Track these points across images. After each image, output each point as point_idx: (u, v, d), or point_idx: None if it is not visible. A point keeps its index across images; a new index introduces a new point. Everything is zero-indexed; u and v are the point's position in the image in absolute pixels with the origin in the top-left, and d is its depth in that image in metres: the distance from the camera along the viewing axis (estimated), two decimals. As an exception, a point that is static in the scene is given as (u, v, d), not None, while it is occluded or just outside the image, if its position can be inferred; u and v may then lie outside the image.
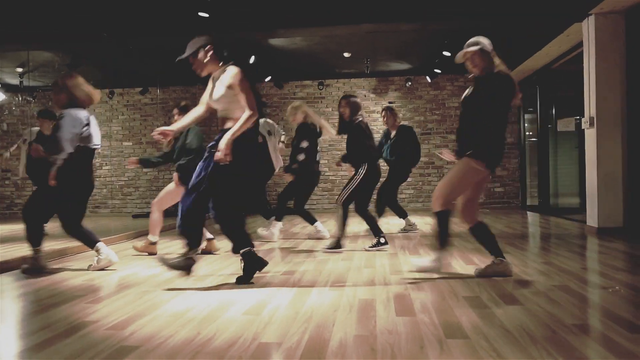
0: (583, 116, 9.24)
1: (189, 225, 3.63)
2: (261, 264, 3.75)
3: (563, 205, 9.53)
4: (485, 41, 3.74)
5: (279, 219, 6.38)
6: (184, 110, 5.18)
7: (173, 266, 3.66)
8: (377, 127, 11.18)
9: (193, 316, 2.90)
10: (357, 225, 7.13)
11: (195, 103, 11.64)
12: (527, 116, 10.91)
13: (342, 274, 4.08)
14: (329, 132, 6.22)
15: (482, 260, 4.55)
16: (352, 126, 5.34)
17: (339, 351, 2.29)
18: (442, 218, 3.76)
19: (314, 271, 4.23)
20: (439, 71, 9.81)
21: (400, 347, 2.33)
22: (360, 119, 5.35)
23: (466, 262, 4.53)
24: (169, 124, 11.25)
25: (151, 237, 5.28)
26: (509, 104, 3.71)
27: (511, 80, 3.69)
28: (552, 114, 9.80)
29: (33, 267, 4.41)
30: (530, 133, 10.94)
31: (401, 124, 7.04)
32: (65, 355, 2.31)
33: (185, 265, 3.66)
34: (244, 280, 3.71)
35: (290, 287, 3.64)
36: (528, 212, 10.02)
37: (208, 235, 5.20)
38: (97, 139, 4.46)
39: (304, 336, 2.50)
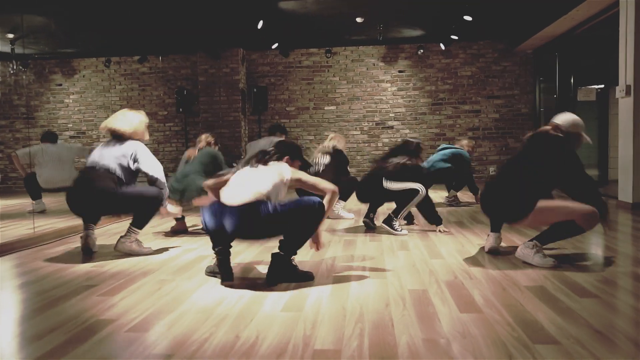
0: (603, 85, 8.87)
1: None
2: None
3: (581, 178, 9.15)
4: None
5: None
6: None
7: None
8: (386, 97, 10.75)
9: (225, 312, 2.52)
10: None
11: (195, 72, 11.11)
12: (542, 85, 10.47)
13: (377, 258, 3.71)
14: None
15: (521, 240, 4.21)
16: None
17: (411, 361, 1.92)
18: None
19: (344, 255, 3.86)
20: (455, 37, 9.32)
21: (482, 355, 1.96)
22: None
23: (505, 242, 4.17)
24: (168, 94, 10.86)
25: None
26: None
27: None
28: (571, 82, 9.37)
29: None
30: (540, 104, 10.51)
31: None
32: (84, 368, 1.94)
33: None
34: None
35: (324, 275, 3.26)
36: (544, 186, 9.65)
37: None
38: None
39: (363, 340, 2.13)
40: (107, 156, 3.98)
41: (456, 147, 7.05)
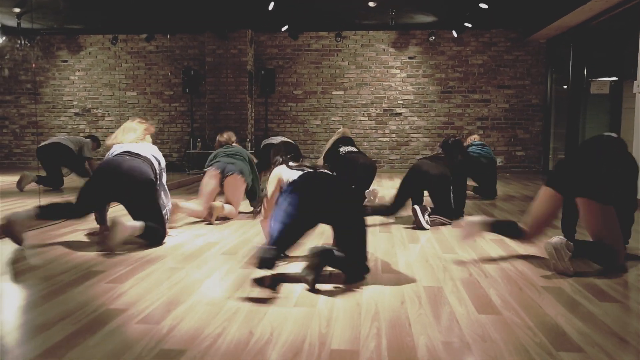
0: (617, 78, 8.73)
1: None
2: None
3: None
4: None
5: None
6: None
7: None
8: (395, 83, 10.61)
9: (237, 307, 2.46)
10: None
11: (202, 52, 10.87)
12: (554, 76, 10.32)
13: (389, 252, 3.64)
14: None
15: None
16: None
17: (431, 366, 1.87)
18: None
19: (355, 246, 3.80)
20: (469, 25, 9.15)
21: (505, 362, 1.91)
22: None
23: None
24: (175, 74, 10.72)
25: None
26: None
27: None
28: (584, 74, 9.23)
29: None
30: (552, 95, 10.38)
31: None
32: (95, 362, 1.88)
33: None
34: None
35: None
36: (552, 178, 9.55)
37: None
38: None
39: (381, 340, 2.07)
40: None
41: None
